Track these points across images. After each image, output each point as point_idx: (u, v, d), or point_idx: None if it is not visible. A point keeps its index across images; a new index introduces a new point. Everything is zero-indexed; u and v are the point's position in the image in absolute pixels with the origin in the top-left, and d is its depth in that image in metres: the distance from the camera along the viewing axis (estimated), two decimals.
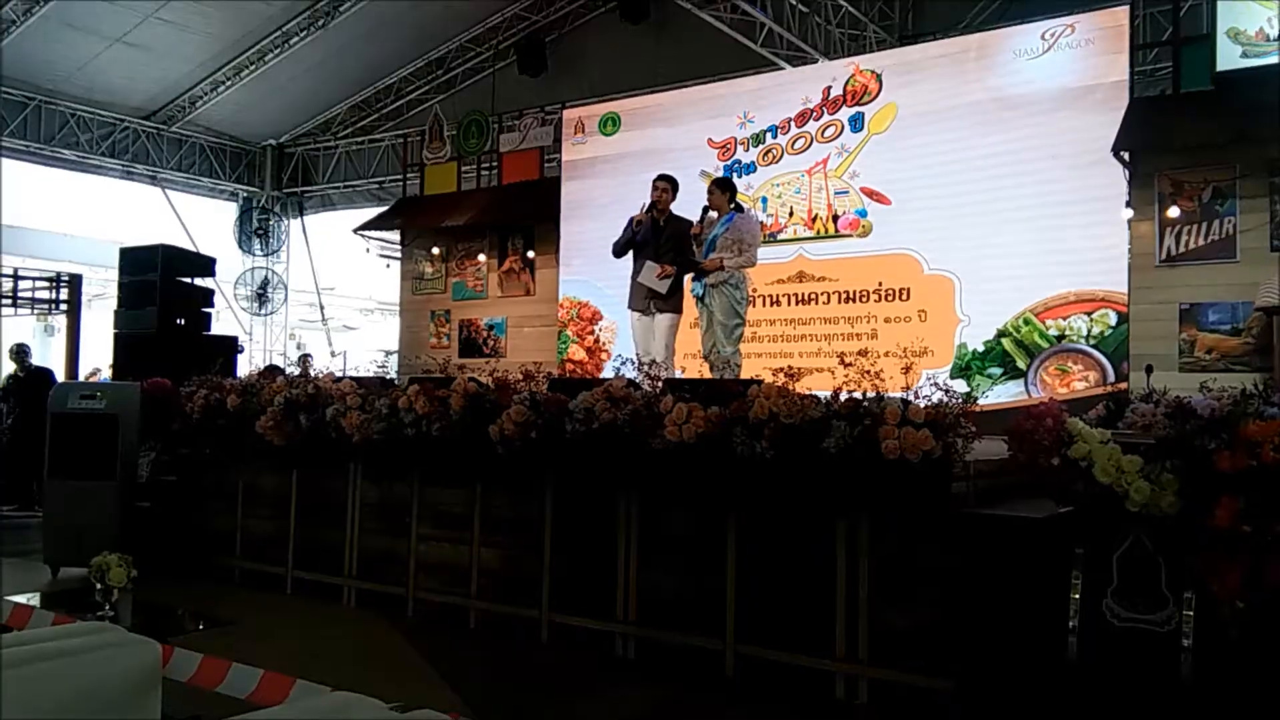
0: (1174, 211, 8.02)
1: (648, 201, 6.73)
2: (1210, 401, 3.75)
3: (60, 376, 10.55)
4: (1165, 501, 3.11)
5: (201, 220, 16.83)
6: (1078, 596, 3.30)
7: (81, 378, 11.37)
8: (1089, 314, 8.16)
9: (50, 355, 13.78)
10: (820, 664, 4.10)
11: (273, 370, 9.73)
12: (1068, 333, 8.25)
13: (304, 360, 12.97)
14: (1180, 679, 3.01)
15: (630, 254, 6.79)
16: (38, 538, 6.47)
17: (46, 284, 12.60)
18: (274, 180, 17.17)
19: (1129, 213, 8.03)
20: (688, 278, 6.76)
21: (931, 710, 3.80)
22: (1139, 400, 5.94)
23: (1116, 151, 7.93)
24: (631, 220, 6.76)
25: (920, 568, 3.92)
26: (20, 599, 4.83)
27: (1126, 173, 8.07)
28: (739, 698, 4.11)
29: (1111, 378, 7.98)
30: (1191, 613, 3.08)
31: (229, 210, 17.41)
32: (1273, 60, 7.67)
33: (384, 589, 5.54)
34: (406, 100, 15.77)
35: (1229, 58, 7.83)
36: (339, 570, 5.75)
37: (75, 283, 12.33)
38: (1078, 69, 8.38)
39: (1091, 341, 8.15)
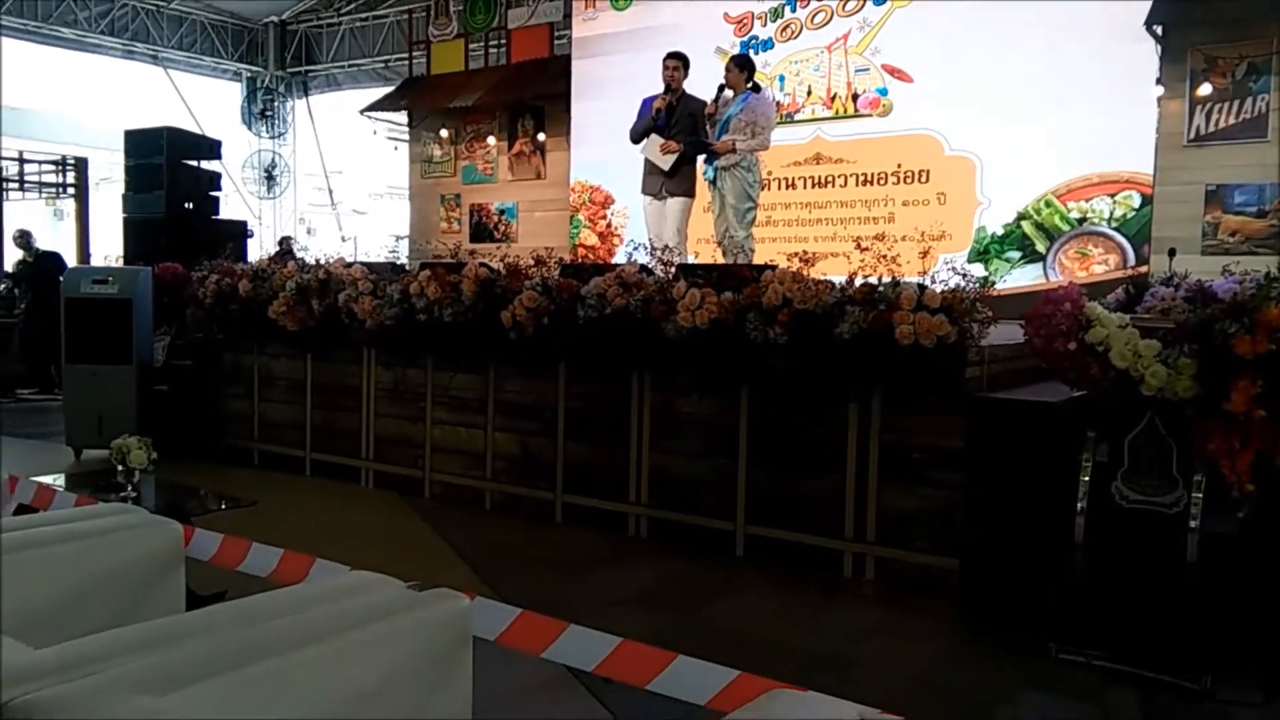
0: (1205, 89, 7.74)
1: (664, 87, 6.55)
2: (1232, 285, 3.69)
3: (71, 261, 10.56)
4: (1181, 386, 3.08)
5: (205, 101, 16.51)
6: (1087, 479, 3.31)
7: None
8: (1112, 196, 7.98)
9: (60, 240, 13.74)
10: (829, 543, 4.18)
11: (284, 255, 9.69)
12: (1089, 215, 8.09)
13: (285, 242, 12.78)
14: (1185, 561, 3.05)
15: (646, 140, 6.65)
16: (59, 420, 6.59)
17: (53, 168, 12.48)
18: (277, 59, 16.74)
19: (1159, 90, 7.77)
20: (699, 160, 6.62)
21: (938, 589, 3.88)
22: (1159, 284, 5.87)
23: (1149, 25, 7.60)
24: (650, 105, 6.58)
25: (932, 451, 3.95)
26: (45, 480, 4.94)
27: (1158, 48, 7.76)
28: (748, 574, 4.21)
29: (1132, 261, 7.87)
30: (1200, 495, 3.09)
31: (233, 91, 17.06)
32: None
33: (401, 471, 5.64)
34: None
35: None
36: (356, 453, 5.85)
37: (81, 166, 12.23)
38: None
39: (1114, 224, 8.00)
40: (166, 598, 2.24)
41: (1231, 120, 7.71)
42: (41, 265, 9.56)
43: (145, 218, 8.31)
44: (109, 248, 12.17)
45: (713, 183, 6.54)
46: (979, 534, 3.84)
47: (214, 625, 1.69)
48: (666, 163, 6.48)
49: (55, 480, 5.56)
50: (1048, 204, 8.25)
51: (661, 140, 6.48)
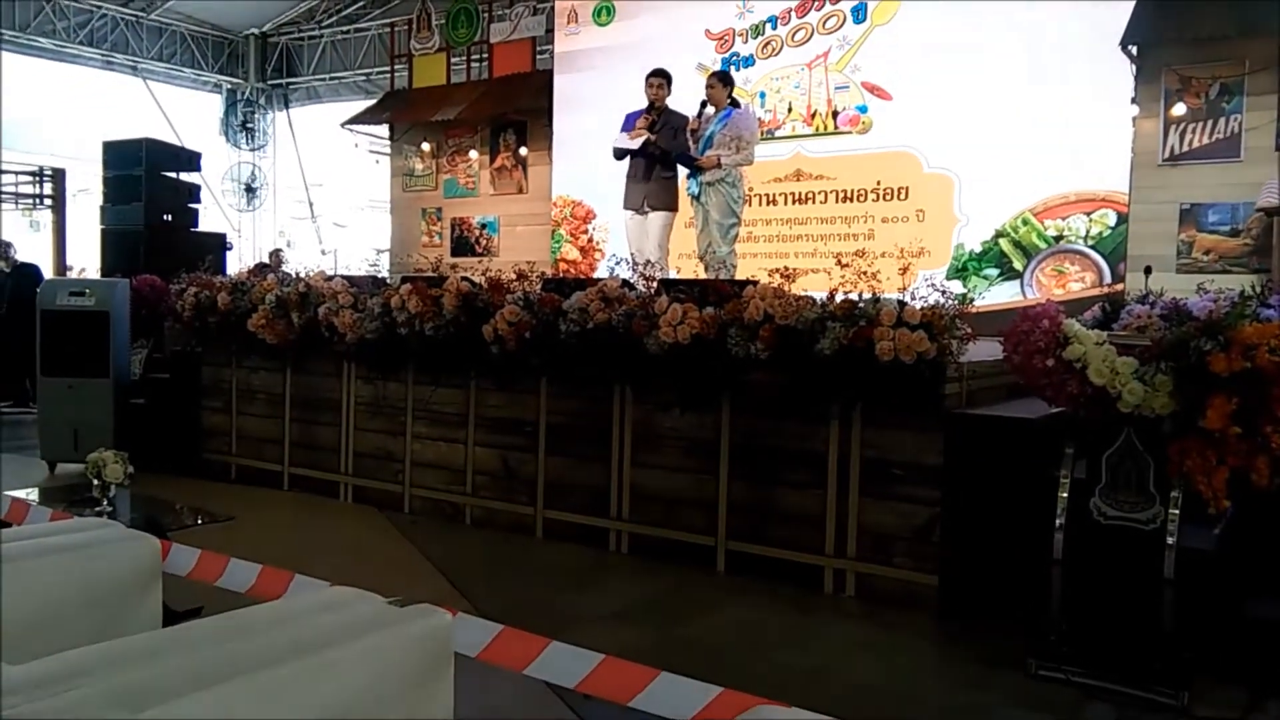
0: (1179, 109, 7.85)
1: (647, 104, 6.59)
2: (1207, 303, 3.74)
3: (48, 273, 10.45)
4: (1158, 403, 3.11)
5: (185, 112, 16.40)
6: (1065, 495, 3.33)
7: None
8: (1088, 214, 8.07)
9: (37, 251, 13.59)
10: (809, 559, 4.18)
11: (263, 268, 9.64)
12: (1066, 233, 8.18)
13: (275, 256, 12.72)
14: (1163, 577, 3.08)
15: (629, 158, 6.68)
16: (34, 434, 6.50)
17: (30, 178, 12.38)
18: (258, 71, 16.68)
19: (1134, 109, 7.87)
20: (683, 175, 6.65)
21: (917, 605, 3.89)
22: (1135, 302, 5.94)
23: (1124, 45, 7.71)
24: (633, 121, 6.62)
25: (912, 467, 3.96)
26: (19, 494, 4.88)
27: (1133, 68, 7.87)
28: (730, 590, 4.20)
29: (1108, 279, 7.95)
30: (1177, 511, 3.12)
31: (213, 103, 16.97)
32: None
33: (380, 486, 5.61)
34: None
35: None
36: (335, 467, 5.81)
37: (59, 177, 12.13)
38: None
39: (1090, 242, 8.09)
40: (143, 613, 2.22)
41: (1205, 140, 7.82)
42: (18, 277, 9.45)
43: (123, 229, 8.25)
44: (86, 260, 12.07)
45: (696, 197, 6.56)
46: (958, 550, 3.86)
47: (192, 641, 1.67)
48: (636, 143, 6.49)
49: (29, 494, 5.50)
50: (1025, 222, 8.33)
51: (633, 131, 6.52)
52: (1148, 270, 6.51)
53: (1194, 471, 3.07)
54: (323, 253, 15.95)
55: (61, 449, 6.10)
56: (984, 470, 3.85)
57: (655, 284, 4.75)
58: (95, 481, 4.34)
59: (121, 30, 15.03)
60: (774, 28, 9.62)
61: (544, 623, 2.50)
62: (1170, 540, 3.11)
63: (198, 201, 8.86)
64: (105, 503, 4.32)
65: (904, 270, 4.10)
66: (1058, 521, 3.31)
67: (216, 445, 6.41)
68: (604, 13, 10.85)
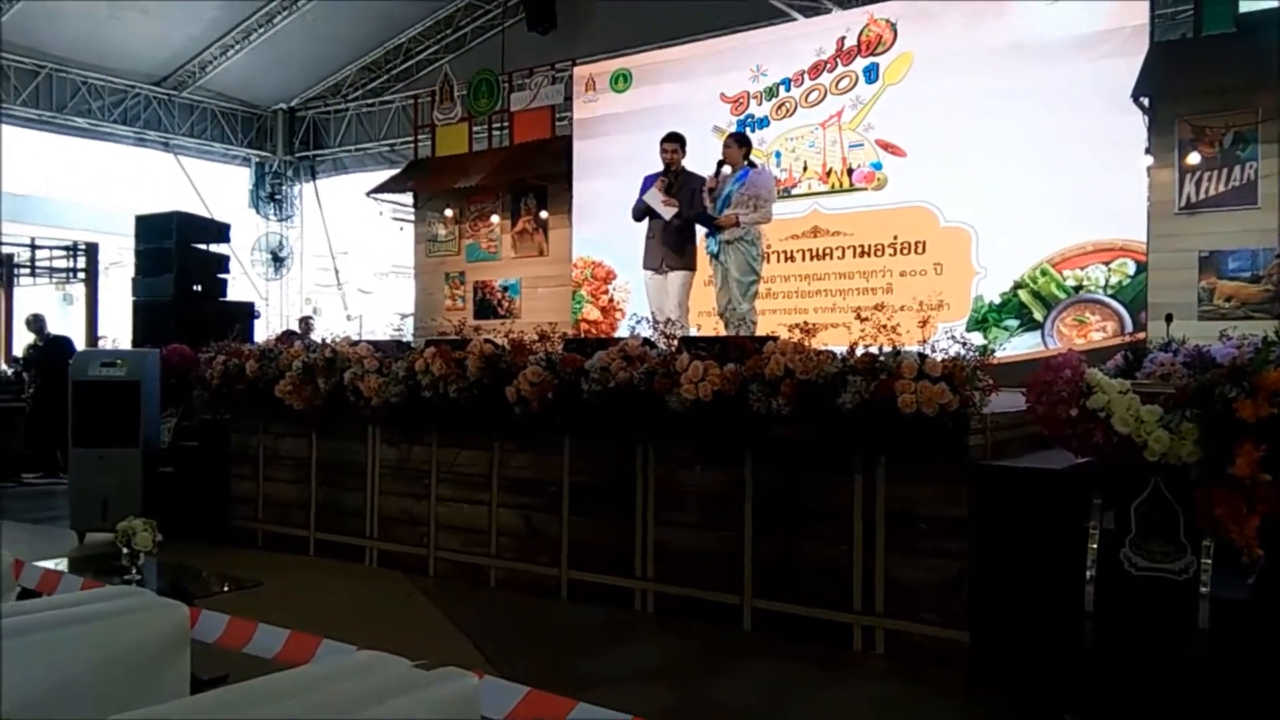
0: (1194, 158, 7.88)
1: (663, 167, 6.71)
2: (1230, 349, 3.71)
3: (80, 345, 10.64)
4: (1185, 451, 3.09)
5: (215, 186, 16.83)
6: (1095, 546, 3.29)
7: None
8: (1107, 264, 8.07)
9: (70, 324, 13.87)
10: (837, 616, 4.14)
11: (290, 335, 9.78)
12: (1085, 283, 8.17)
13: (305, 323, 12.93)
14: (1198, 627, 3.02)
15: (648, 218, 6.77)
16: (63, 504, 6.57)
17: (63, 253, 12.69)
18: (286, 144, 17.12)
19: (1148, 160, 7.91)
20: (701, 234, 6.73)
21: (949, 661, 3.83)
22: (1158, 350, 5.90)
23: (1136, 97, 7.78)
24: (650, 183, 6.72)
25: (938, 521, 3.93)
26: (49, 564, 4.92)
27: (1146, 119, 7.93)
28: (757, 650, 4.15)
29: (1129, 328, 7.91)
30: (1209, 561, 3.08)
31: (242, 175, 17.40)
32: None
33: (405, 549, 5.61)
34: (416, 61, 15.63)
35: None
36: (360, 532, 5.82)
37: (92, 251, 12.43)
38: (1097, 13, 8.19)
39: (1109, 291, 8.07)
40: (171, 681, 2.23)
41: (1222, 188, 7.83)
42: (50, 349, 9.63)
43: (154, 301, 8.42)
44: (117, 331, 12.29)
45: (715, 256, 6.63)
46: (988, 604, 3.81)
47: (221, 708, 1.68)
48: (668, 212, 6.58)
49: (58, 564, 5.54)
50: (1044, 272, 8.34)
51: (663, 195, 6.60)
52: (1169, 318, 6.47)
53: (1225, 520, 3.03)
54: (348, 318, 16.18)
55: (91, 518, 6.16)
56: (1011, 522, 3.82)
57: (676, 342, 4.78)
58: (124, 550, 4.38)
59: (154, 108, 15.50)
60: (787, 90, 9.79)
61: (570, 684, 2.49)
62: (1204, 590, 3.07)
63: (226, 271, 9.05)
64: (134, 570, 4.34)
65: (923, 323, 4.10)
66: (1088, 573, 3.27)
67: (244, 512, 6.45)
68: (621, 80, 11.09)
